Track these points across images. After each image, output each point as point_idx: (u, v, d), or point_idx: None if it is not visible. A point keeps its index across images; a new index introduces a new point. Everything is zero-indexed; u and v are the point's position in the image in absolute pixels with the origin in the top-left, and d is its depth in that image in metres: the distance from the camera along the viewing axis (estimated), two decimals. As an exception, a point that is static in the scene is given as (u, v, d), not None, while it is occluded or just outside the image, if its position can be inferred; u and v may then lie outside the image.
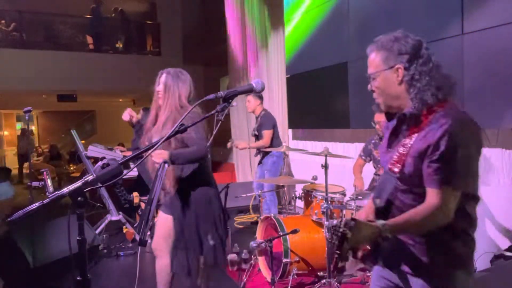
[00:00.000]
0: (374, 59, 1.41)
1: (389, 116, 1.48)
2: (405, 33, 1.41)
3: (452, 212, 1.26)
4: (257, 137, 4.61)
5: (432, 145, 1.26)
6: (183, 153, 2.20)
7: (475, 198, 1.34)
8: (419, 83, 1.31)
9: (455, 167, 1.24)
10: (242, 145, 4.68)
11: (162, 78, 2.35)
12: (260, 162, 4.70)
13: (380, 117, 3.28)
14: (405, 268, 1.39)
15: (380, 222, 1.26)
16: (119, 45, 10.40)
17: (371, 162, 3.59)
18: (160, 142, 1.45)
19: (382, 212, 1.39)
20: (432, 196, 1.26)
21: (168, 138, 1.45)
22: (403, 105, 1.37)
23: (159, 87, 2.33)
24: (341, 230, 1.22)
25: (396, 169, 1.34)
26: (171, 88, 2.32)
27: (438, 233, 1.31)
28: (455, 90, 1.35)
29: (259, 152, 4.67)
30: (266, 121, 4.49)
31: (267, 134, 4.44)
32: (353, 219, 1.23)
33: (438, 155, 1.24)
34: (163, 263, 2.45)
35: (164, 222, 2.44)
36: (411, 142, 1.32)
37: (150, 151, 1.46)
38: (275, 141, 4.49)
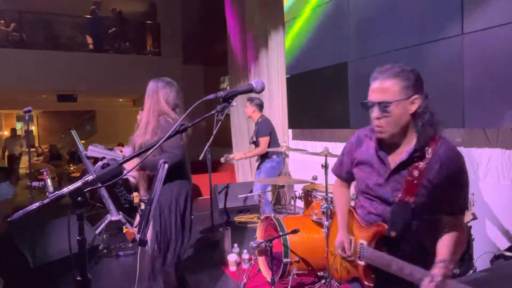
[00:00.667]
0: (390, 87, 1.39)
1: (380, 143, 1.51)
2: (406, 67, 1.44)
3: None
4: (255, 143, 4.60)
5: (450, 177, 1.38)
6: (153, 161, 2.25)
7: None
8: (425, 116, 1.37)
9: (468, 193, 1.44)
10: (238, 156, 4.67)
11: (148, 86, 2.48)
12: (258, 168, 4.68)
13: None
14: None
15: (442, 264, 1.36)
16: (119, 45, 10.40)
17: None
18: (158, 143, 1.45)
19: (394, 242, 1.46)
20: (460, 220, 1.43)
21: (168, 138, 1.45)
22: (404, 138, 1.43)
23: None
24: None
25: (410, 200, 1.39)
26: (154, 96, 2.44)
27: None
28: (442, 127, 1.43)
29: (259, 157, 4.67)
30: (262, 128, 4.46)
31: (263, 141, 4.41)
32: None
33: (460, 185, 1.41)
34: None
35: None
36: (416, 174, 1.39)
37: (149, 152, 1.46)
38: (273, 146, 4.43)
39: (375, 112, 1.42)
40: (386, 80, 1.40)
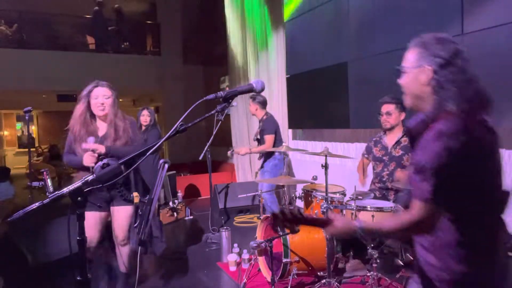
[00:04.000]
0: (408, 55, 1.40)
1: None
2: (449, 37, 1.38)
3: (430, 229, 1.23)
4: (259, 141, 4.59)
5: (416, 156, 1.23)
6: (118, 149, 2.52)
7: (477, 222, 1.23)
8: (444, 90, 1.28)
9: (436, 180, 1.18)
10: (243, 151, 4.64)
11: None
12: (261, 166, 4.67)
13: (387, 107, 3.28)
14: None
15: (358, 223, 1.31)
16: (119, 45, 10.40)
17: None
18: (160, 141, 1.45)
19: None
20: (416, 208, 1.21)
21: (168, 138, 1.45)
22: (424, 108, 1.34)
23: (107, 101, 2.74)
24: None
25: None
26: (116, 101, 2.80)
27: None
28: (485, 106, 1.32)
29: (262, 155, 4.65)
30: (268, 126, 4.46)
31: (269, 139, 4.40)
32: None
33: (419, 167, 1.21)
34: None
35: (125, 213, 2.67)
36: (413, 155, 1.29)
37: (149, 152, 1.46)
38: (277, 144, 4.44)
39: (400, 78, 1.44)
40: (410, 48, 1.42)
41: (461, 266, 1.22)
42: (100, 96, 2.70)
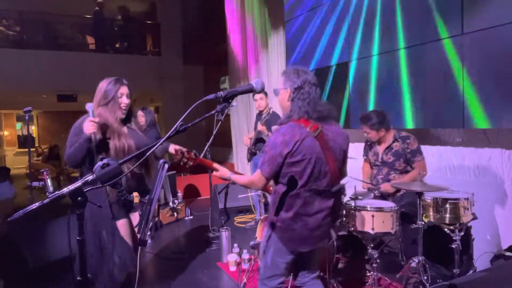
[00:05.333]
0: (280, 79, 2.13)
1: None
2: (303, 69, 2.04)
3: (258, 187, 2.00)
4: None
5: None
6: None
7: (296, 194, 1.92)
8: (293, 106, 1.99)
9: (265, 158, 1.92)
10: (260, 127, 4.55)
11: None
12: (249, 160, 4.74)
13: (364, 129, 3.34)
14: None
15: (230, 174, 2.08)
16: (119, 45, 10.39)
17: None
18: (160, 141, 1.45)
19: None
20: (255, 173, 1.98)
21: (168, 138, 1.45)
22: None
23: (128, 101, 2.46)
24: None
25: None
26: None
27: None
28: (322, 118, 1.95)
29: (254, 153, 4.71)
30: (276, 119, 4.57)
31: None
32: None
33: (264, 149, 2.01)
34: None
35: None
36: None
37: (149, 152, 1.46)
38: None
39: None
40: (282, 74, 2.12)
41: (276, 216, 1.98)
42: (125, 95, 2.44)
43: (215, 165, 2.12)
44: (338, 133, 2.02)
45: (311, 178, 1.90)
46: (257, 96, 4.64)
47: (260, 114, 4.80)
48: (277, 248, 2.03)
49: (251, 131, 5.15)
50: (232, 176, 2.05)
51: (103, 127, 2.31)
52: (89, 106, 2.29)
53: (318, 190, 1.93)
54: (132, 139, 2.40)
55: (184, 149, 2.06)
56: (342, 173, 2.06)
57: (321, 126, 1.92)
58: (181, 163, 2.01)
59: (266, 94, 4.64)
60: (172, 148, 2.69)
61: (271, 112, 4.57)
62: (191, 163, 2.02)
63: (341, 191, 2.09)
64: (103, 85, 2.43)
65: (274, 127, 4.50)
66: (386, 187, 3.24)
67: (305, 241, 2.01)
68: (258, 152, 4.74)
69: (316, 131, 1.89)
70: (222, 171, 2.09)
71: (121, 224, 2.38)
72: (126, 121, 2.49)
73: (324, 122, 1.95)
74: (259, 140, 4.72)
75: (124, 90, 2.43)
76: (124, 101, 2.42)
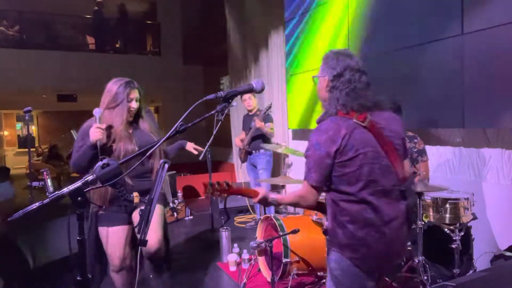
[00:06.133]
0: (320, 66, 1.76)
1: None
2: (347, 52, 1.72)
3: (308, 202, 1.62)
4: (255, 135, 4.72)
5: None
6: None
7: (360, 201, 1.55)
8: (333, 96, 1.64)
9: (309, 165, 1.59)
10: (258, 124, 4.59)
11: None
12: (244, 161, 4.86)
13: None
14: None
15: (273, 195, 1.74)
16: (119, 45, 10.39)
17: None
18: (160, 142, 1.45)
19: None
20: (302, 185, 1.64)
21: (168, 138, 1.46)
22: (325, 107, 1.71)
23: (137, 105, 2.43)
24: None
25: None
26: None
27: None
28: (367, 108, 1.60)
29: (250, 152, 4.74)
30: (269, 117, 4.72)
31: (272, 125, 4.67)
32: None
33: (305, 154, 1.63)
34: None
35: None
36: None
37: (149, 152, 1.47)
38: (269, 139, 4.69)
39: None
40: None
41: (341, 234, 1.58)
42: (134, 100, 2.41)
43: (251, 190, 1.80)
44: (392, 118, 1.66)
45: (372, 177, 1.55)
46: (246, 96, 4.67)
47: (249, 114, 4.82)
48: (351, 274, 1.58)
49: (240, 132, 5.18)
50: (275, 196, 1.73)
51: (107, 131, 2.29)
52: (96, 112, 2.27)
53: (385, 191, 1.57)
54: (135, 142, 2.38)
55: (215, 182, 1.73)
56: (405, 167, 1.69)
57: (369, 115, 1.59)
58: (214, 196, 1.73)
59: (253, 95, 4.75)
60: (190, 146, 2.70)
61: (270, 107, 4.63)
62: (225, 194, 1.72)
63: (411, 190, 1.76)
64: (113, 87, 2.38)
65: (268, 124, 4.56)
66: None
67: (386, 259, 1.62)
68: (254, 151, 4.74)
69: (365, 121, 1.56)
70: (261, 193, 1.74)
71: (114, 232, 2.38)
72: (133, 121, 2.47)
73: (370, 111, 1.61)
74: (255, 138, 4.71)
75: (134, 94, 2.40)
76: (133, 105, 2.40)
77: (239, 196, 5.35)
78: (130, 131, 2.43)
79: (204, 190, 1.70)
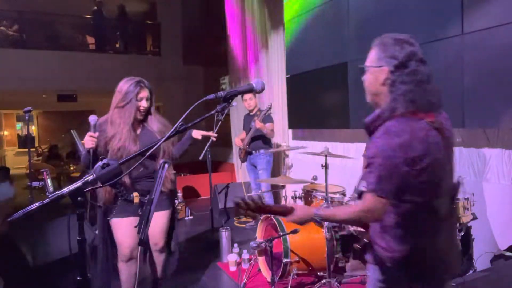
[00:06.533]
0: (370, 54, 1.48)
1: None
2: (408, 39, 1.44)
3: (378, 218, 1.34)
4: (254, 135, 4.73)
5: (368, 150, 1.37)
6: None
7: (428, 210, 1.35)
8: (396, 91, 1.37)
9: (380, 173, 1.30)
10: (258, 125, 4.60)
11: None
12: (243, 160, 4.84)
13: None
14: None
15: (315, 210, 1.43)
16: (119, 45, 10.39)
17: None
18: (160, 142, 1.45)
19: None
20: (365, 198, 1.34)
21: (168, 138, 1.46)
22: (380, 105, 1.43)
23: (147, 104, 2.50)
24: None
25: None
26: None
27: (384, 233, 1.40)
28: (434, 106, 1.39)
29: (250, 153, 4.75)
30: (269, 117, 4.73)
31: (273, 126, 4.67)
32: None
33: (367, 161, 1.35)
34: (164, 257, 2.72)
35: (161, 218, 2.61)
36: (366, 149, 1.40)
37: (149, 152, 1.46)
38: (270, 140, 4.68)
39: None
40: (372, 47, 1.50)
41: (401, 247, 1.36)
42: (144, 99, 2.47)
43: (288, 206, 1.50)
44: (448, 119, 1.48)
45: (444, 185, 1.38)
46: (246, 96, 4.69)
47: (249, 114, 4.82)
48: None
49: (240, 132, 5.19)
50: (322, 212, 1.43)
51: (113, 131, 2.39)
52: (92, 119, 2.38)
53: (450, 198, 1.43)
54: (140, 144, 2.41)
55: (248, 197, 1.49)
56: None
57: (437, 114, 1.39)
58: (247, 216, 1.52)
59: (254, 94, 4.74)
60: (197, 133, 2.71)
61: (270, 108, 4.63)
62: (261, 217, 1.53)
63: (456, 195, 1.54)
64: (124, 86, 2.45)
65: (267, 124, 4.56)
66: None
67: (445, 273, 1.45)
68: (254, 151, 4.75)
69: (435, 122, 1.36)
70: (301, 210, 1.46)
71: (126, 222, 2.46)
72: (143, 120, 2.53)
73: (437, 110, 1.41)
74: (255, 139, 4.72)
75: (144, 93, 2.46)
76: (143, 104, 2.45)
77: (239, 196, 5.40)
78: (138, 131, 2.47)
79: (238, 208, 1.48)
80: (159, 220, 2.56)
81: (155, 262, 2.70)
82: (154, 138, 2.45)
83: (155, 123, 2.54)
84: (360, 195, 1.38)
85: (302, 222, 1.46)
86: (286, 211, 1.47)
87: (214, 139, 2.69)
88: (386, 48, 1.42)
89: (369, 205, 1.33)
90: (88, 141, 2.31)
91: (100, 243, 2.57)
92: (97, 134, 2.34)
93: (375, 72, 1.43)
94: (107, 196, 2.45)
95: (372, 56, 1.46)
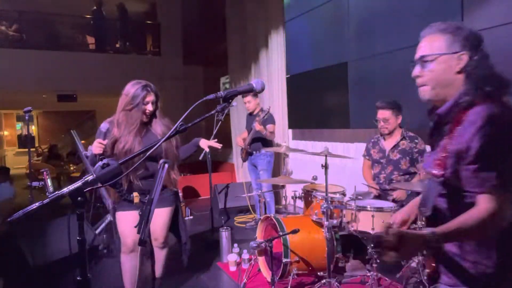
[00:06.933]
0: (432, 43, 1.29)
1: (429, 112, 1.43)
2: (464, 25, 1.33)
3: (504, 220, 1.12)
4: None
5: (464, 145, 1.16)
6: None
7: None
8: (477, 76, 1.24)
9: (496, 166, 1.12)
10: (258, 127, 4.59)
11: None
12: (245, 160, 4.86)
13: (383, 114, 3.28)
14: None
15: (428, 230, 1.13)
16: (119, 45, 10.39)
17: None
18: (160, 142, 1.45)
19: (432, 220, 1.29)
20: (484, 200, 1.13)
21: (168, 138, 1.45)
22: (450, 96, 1.27)
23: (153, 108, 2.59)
24: (383, 240, 1.11)
25: (437, 173, 1.22)
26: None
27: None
28: (506, 90, 1.26)
29: (250, 153, 4.75)
30: (271, 118, 4.66)
31: (274, 127, 4.62)
32: (396, 231, 1.12)
33: (473, 156, 1.14)
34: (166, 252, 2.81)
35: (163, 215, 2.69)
36: (451, 141, 1.20)
37: (149, 152, 1.46)
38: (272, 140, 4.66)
39: (415, 69, 1.32)
40: (431, 35, 1.31)
41: (500, 259, 1.17)
42: (150, 103, 2.56)
43: (416, 232, 1.18)
44: None
45: None
46: (246, 99, 4.72)
47: (251, 114, 4.82)
48: None
49: (241, 132, 5.19)
50: (440, 230, 1.13)
51: (118, 135, 2.48)
52: (103, 127, 2.51)
53: None
54: (143, 146, 2.45)
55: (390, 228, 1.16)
56: None
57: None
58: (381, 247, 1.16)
59: (255, 95, 4.73)
60: (204, 144, 2.79)
61: (269, 112, 4.57)
62: (400, 252, 1.13)
63: None
64: (131, 90, 2.52)
65: (269, 126, 4.55)
66: (399, 195, 3.22)
67: None
68: (254, 152, 4.75)
69: None
70: (421, 233, 1.14)
71: (131, 215, 2.53)
72: (147, 123, 2.61)
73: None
74: (255, 140, 4.72)
75: (150, 98, 2.55)
76: (149, 108, 2.54)
77: (239, 196, 5.39)
78: (142, 134, 2.53)
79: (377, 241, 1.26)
80: (161, 216, 2.62)
81: (156, 258, 2.72)
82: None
83: (159, 125, 2.61)
84: (434, 211, 1.22)
85: (425, 246, 1.15)
86: (417, 238, 1.14)
87: (220, 150, 2.83)
88: (458, 33, 1.26)
89: (493, 205, 1.11)
90: (96, 148, 2.39)
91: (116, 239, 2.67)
92: (106, 141, 2.42)
93: (447, 60, 1.26)
94: (114, 194, 2.57)
95: (439, 45, 1.27)
